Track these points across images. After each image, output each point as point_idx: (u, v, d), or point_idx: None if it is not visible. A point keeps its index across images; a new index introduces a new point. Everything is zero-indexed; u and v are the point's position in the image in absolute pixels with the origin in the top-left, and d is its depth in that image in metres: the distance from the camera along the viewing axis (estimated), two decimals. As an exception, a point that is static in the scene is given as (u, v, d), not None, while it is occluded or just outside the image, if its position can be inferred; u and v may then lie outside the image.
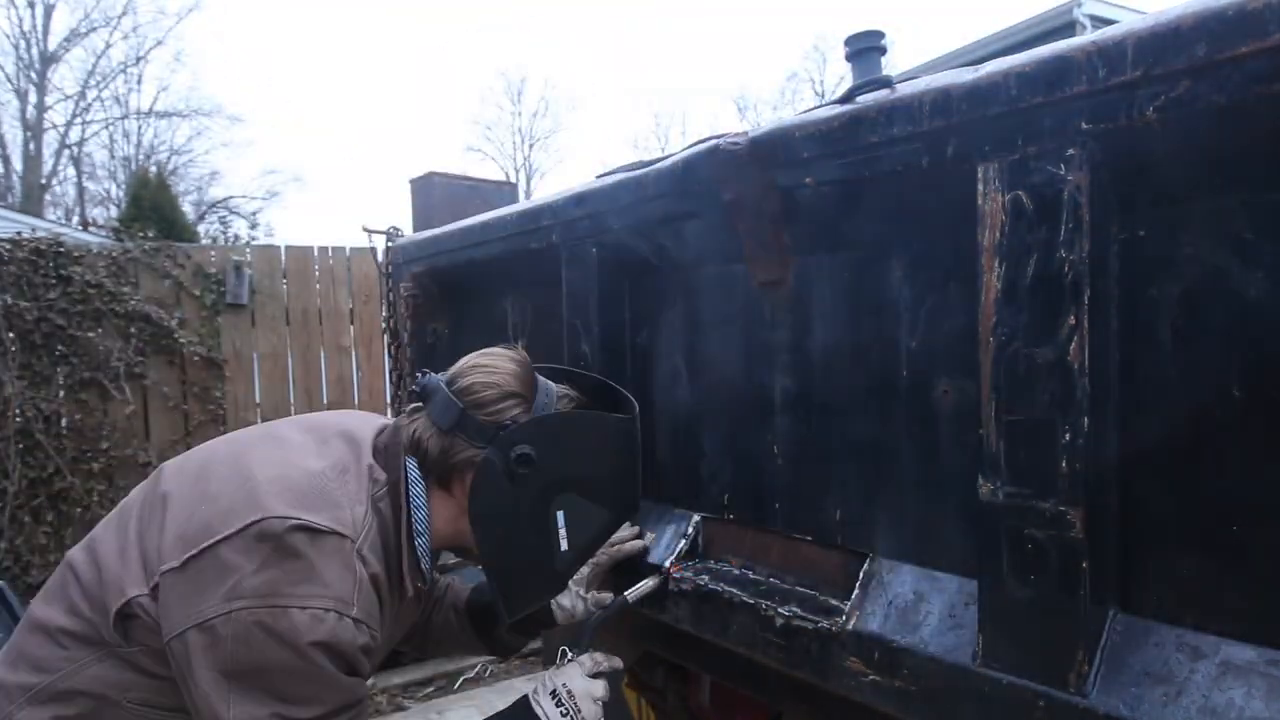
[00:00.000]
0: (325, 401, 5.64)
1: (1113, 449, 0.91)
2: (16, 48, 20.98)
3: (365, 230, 2.50)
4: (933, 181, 1.01)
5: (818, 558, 1.30)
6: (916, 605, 1.09)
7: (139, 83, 23.98)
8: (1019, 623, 0.92)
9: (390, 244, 2.47)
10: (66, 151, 22.50)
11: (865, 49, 1.44)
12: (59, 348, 4.75)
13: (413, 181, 2.89)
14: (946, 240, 1.06)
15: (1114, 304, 0.90)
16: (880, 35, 1.46)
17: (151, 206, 10.20)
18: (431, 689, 4.30)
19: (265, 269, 5.51)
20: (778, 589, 1.31)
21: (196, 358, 5.16)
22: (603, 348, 1.61)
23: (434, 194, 2.77)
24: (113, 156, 23.63)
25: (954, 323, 1.07)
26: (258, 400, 5.44)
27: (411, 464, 1.22)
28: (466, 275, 2.16)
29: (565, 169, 31.82)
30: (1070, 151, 0.84)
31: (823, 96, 26.02)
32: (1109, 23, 1.31)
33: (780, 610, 1.23)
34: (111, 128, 23.33)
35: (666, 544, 1.53)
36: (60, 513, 4.80)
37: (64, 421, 4.81)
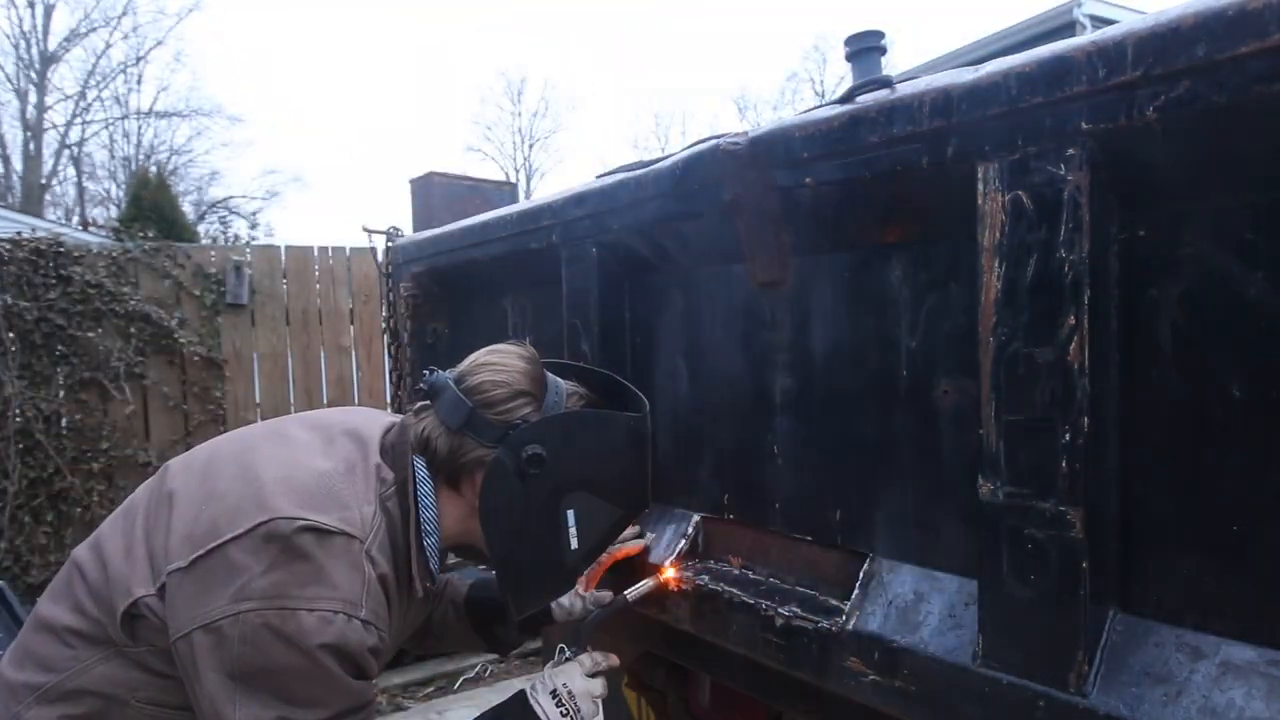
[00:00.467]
0: (325, 401, 5.64)
1: (1113, 449, 0.91)
2: (16, 48, 21.01)
3: (365, 230, 2.50)
4: (933, 180, 1.01)
5: (818, 558, 1.30)
6: (916, 605, 1.09)
7: (139, 83, 24.00)
8: (1019, 623, 0.92)
9: (390, 244, 2.47)
10: (66, 151, 22.53)
11: (865, 49, 1.44)
12: (59, 348, 4.74)
13: (413, 181, 2.89)
14: (946, 240, 1.06)
15: (1114, 304, 0.90)
16: (880, 35, 1.47)
17: (151, 206, 10.19)
18: (431, 689, 4.30)
19: (265, 269, 5.51)
20: (778, 589, 1.31)
21: (196, 358, 5.16)
22: (603, 347, 1.61)
23: (434, 194, 2.77)
24: (113, 156, 23.67)
25: (954, 323, 1.07)
26: (258, 400, 5.44)
27: (420, 463, 1.21)
28: (466, 275, 2.16)
29: (565, 169, 31.86)
30: (1070, 151, 0.84)
31: (823, 96, 26.02)
32: (1109, 23, 1.31)
33: (780, 610, 1.23)
34: (111, 128, 23.37)
35: (666, 544, 1.53)
36: (60, 513, 4.80)
37: (64, 421, 4.81)
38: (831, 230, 1.21)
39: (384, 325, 2.48)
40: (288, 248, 5.69)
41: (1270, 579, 0.81)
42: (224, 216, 21.72)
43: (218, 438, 1.29)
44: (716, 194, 1.27)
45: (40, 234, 5.12)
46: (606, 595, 1.49)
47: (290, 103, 43.67)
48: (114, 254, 5.00)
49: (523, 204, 1.92)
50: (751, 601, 1.29)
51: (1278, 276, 0.79)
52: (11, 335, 4.60)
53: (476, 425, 1.19)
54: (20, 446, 4.65)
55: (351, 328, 5.78)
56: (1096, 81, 0.81)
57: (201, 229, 18.97)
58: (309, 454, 1.17)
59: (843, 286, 1.24)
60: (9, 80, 21.02)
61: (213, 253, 5.44)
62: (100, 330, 4.85)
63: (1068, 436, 0.87)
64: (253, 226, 21.66)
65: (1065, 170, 0.85)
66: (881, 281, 1.17)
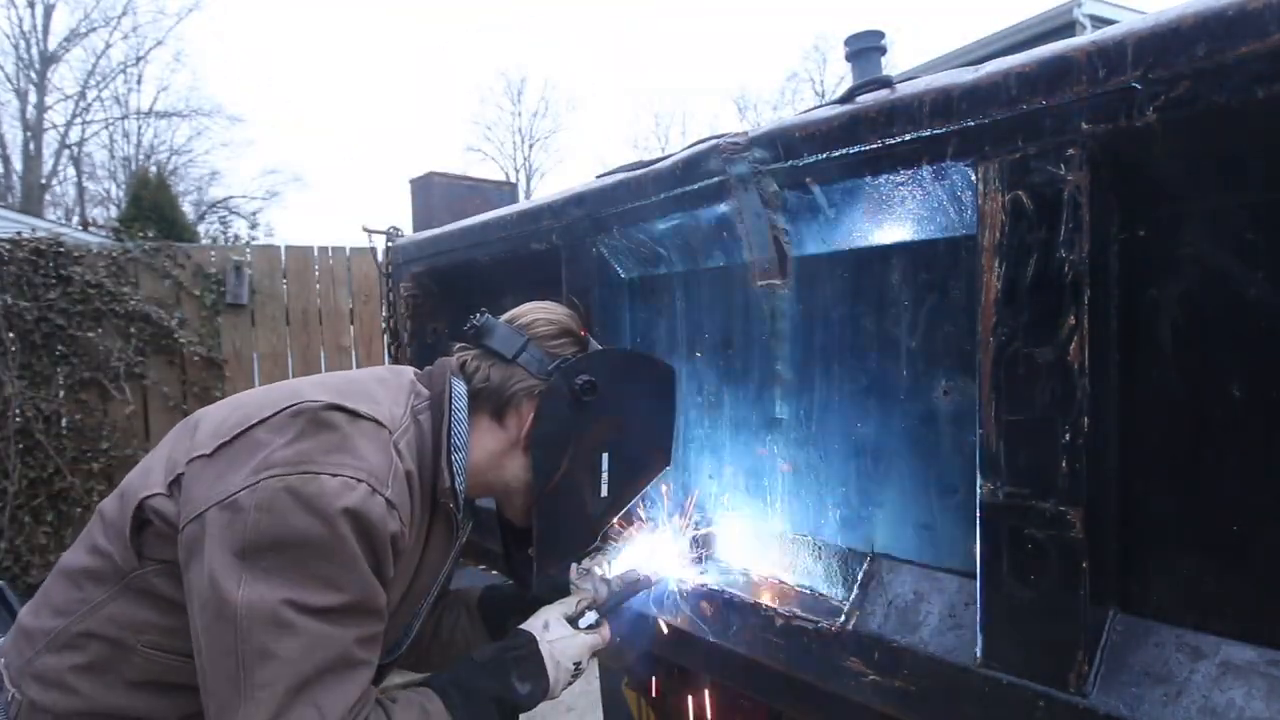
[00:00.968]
0: (325, 401, 5.64)
1: (1112, 449, 0.91)
2: (16, 48, 21.01)
3: (365, 230, 2.50)
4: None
5: (818, 558, 1.30)
6: (916, 605, 1.09)
7: (139, 83, 23.98)
8: (1019, 623, 0.92)
9: (390, 244, 2.47)
10: (66, 151, 22.53)
11: (865, 49, 1.44)
12: (59, 348, 4.75)
13: (413, 181, 2.89)
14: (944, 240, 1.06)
15: (1114, 304, 0.90)
16: (880, 35, 1.47)
17: (151, 206, 10.21)
18: (431, 689, 4.30)
19: (265, 269, 5.51)
20: (778, 589, 1.31)
21: (196, 358, 5.17)
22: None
23: (434, 194, 2.76)
24: (113, 156, 23.67)
25: (954, 323, 1.07)
26: (258, 400, 5.44)
27: (458, 382, 1.24)
28: (466, 275, 2.16)
29: (565, 169, 31.85)
30: (1070, 151, 0.84)
31: (823, 96, 26.03)
32: (1109, 23, 1.31)
33: (780, 610, 1.23)
34: (111, 128, 23.37)
35: (666, 544, 1.53)
36: (60, 513, 4.81)
37: (64, 421, 4.82)
38: (831, 230, 1.21)
39: (384, 325, 2.48)
40: (288, 248, 5.70)
41: (1270, 579, 0.81)
42: (224, 216, 21.77)
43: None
44: (716, 194, 1.27)
45: (40, 234, 5.14)
46: (634, 573, 1.47)
47: (290, 103, 43.84)
48: (114, 254, 5.00)
49: (523, 204, 1.92)
50: (751, 601, 1.29)
51: (1278, 276, 0.79)
52: (11, 335, 4.60)
53: (530, 356, 1.24)
54: (20, 446, 4.65)
55: (351, 328, 5.79)
56: (1096, 81, 0.81)
57: (201, 229, 19.00)
58: (340, 372, 1.21)
59: (843, 286, 1.24)
60: (9, 80, 21.05)
61: (213, 253, 5.44)
62: (100, 330, 4.86)
63: (1068, 436, 0.87)
64: (253, 226, 21.71)
65: (1065, 170, 0.85)
66: (881, 280, 1.17)
